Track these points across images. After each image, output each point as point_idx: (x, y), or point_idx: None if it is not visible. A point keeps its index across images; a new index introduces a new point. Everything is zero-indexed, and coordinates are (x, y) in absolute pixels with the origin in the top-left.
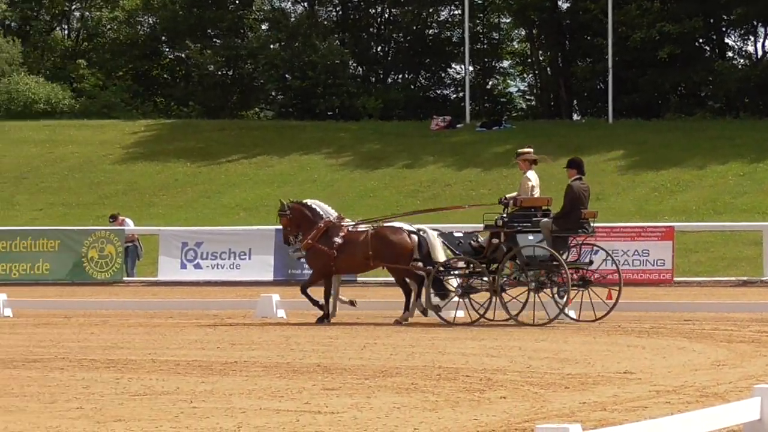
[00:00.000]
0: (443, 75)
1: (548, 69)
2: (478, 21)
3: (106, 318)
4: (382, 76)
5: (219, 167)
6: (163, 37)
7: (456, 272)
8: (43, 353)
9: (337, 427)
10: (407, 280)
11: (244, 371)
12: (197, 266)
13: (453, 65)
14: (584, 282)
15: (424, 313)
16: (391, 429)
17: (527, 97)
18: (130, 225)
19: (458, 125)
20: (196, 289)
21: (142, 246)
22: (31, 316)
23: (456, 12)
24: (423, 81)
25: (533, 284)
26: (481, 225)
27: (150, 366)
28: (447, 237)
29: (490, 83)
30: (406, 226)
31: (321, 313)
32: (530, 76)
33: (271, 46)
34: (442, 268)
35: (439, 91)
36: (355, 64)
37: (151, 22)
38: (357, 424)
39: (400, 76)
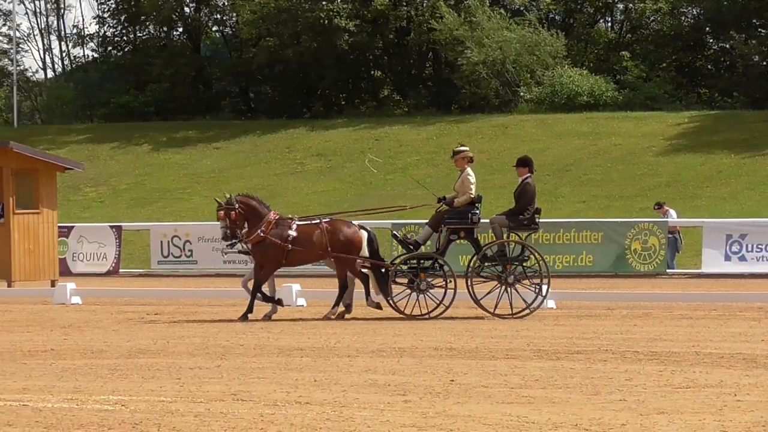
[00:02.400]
0: None
1: None
2: None
3: (648, 310)
4: None
5: (764, 159)
6: (707, 28)
7: (418, 267)
8: (587, 345)
9: None
10: (348, 275)
11: None
12: (741, 258)
13: None
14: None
15: (378, 307)
16: None
17: None
18: (673, 216)
19: None
20: (740, 282)
21: (682, 238)
22: (574, 308)
23: None
24: None
25: (511, 278)
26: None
27: (693, 358)
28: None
29: None
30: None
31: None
32: None
33: None
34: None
35: None
36: None
37: (695, 13)
38: None
39: None
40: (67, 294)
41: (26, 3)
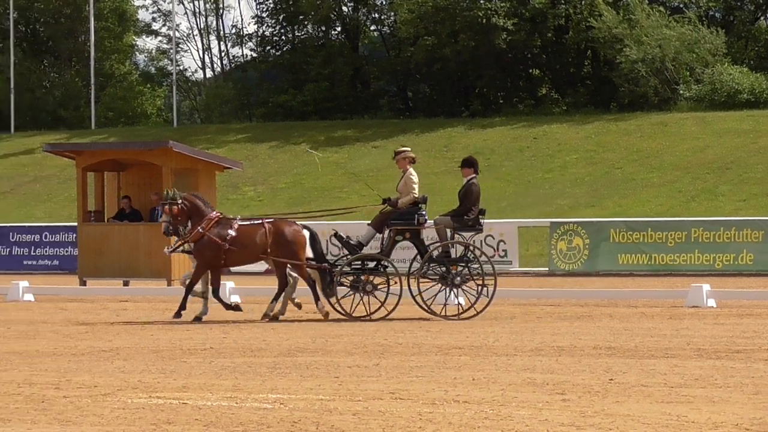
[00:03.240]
0: None
1: None
2: None
3: None
4: None
5: None
6: None
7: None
8: (747, 344)
9: None
10: (292, 274)
11: None
12: None
13: None
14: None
15: (299, 306)
16: None
17: None
18: None
19: None
20: None
21: None
22: (734, 307)
23: None
24: None
25: (458, 279)
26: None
27: None
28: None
29: None
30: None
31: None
32: None
33: None
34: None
35: None
36: None
37: None
38: None
39: None
40: (226, 293)
41: (186, 3)
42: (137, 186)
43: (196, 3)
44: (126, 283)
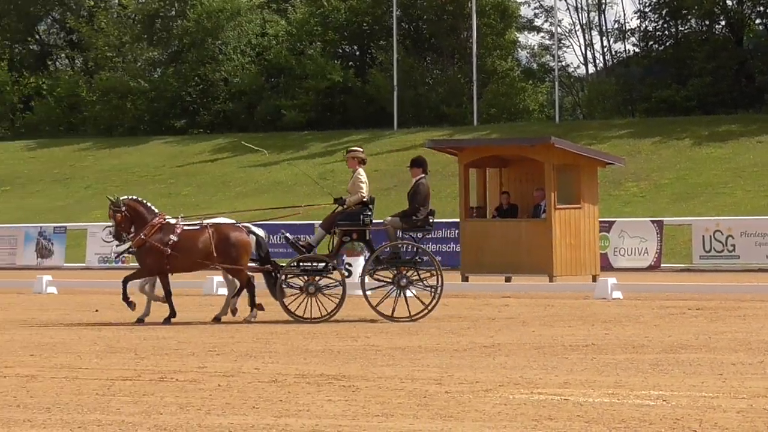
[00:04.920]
0: None
1: None
2: None
3: None
4: None
5: None
6: None
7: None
8: None
9: None
10: (230, 277)
11: None
12: None
13: None
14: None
15: (234, 312)
16: None
17: None
18: None
19: None
20: None
21: None
22: None
23: None
24: None
25: (404, 281)
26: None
27: None
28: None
29: None
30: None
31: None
32: None
33: None
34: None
35: None
36: None
37: None
38: None
39: None
40: (608, 289)
41: None
42: (519, 182)
43: None
44: (508, 279)
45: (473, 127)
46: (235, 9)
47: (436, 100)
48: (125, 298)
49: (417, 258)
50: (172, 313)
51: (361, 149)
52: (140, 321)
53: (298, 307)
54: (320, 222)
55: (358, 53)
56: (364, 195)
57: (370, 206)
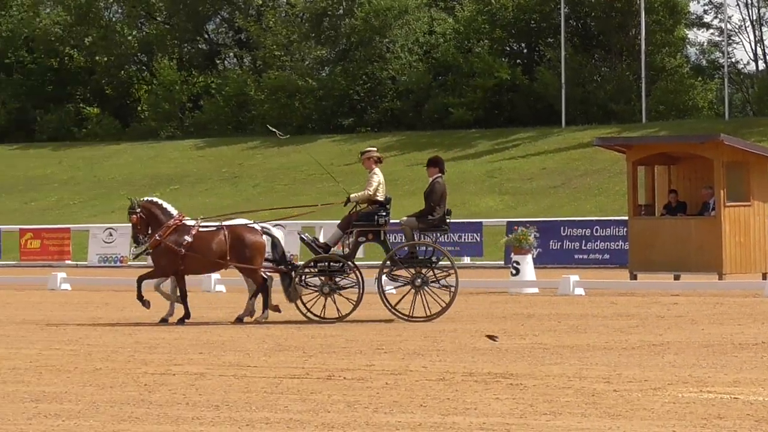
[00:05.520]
0: None
1: None
2: None
3: None
4: None
5: None
6: None
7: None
8: None
9: None
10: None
11: None
12: None
13: None
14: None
15: (253, 314)
16: None
17: None
18: None
19: None
20: None
21: None
22: None
23: None
24: None
25: (419, 281)
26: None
27: None
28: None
29: None
30: (254, 225)
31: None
32: None
33: None
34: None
35: None
36: None
37: None
38: None
39: None
40: None
41: None
42: (688, 179)
43: None
44: (677, 277)
45: (641, 124)
46: (402, 7)
47: (604, 98)
48: (140, 297)
49: (434, 257)
50: (187, 314)
51: (375, 149)
52: (164, 321)
53: (314, 304)
54: (338, 222)
55: (525, 51)
56: (370, 192)
57: (387, 206)
